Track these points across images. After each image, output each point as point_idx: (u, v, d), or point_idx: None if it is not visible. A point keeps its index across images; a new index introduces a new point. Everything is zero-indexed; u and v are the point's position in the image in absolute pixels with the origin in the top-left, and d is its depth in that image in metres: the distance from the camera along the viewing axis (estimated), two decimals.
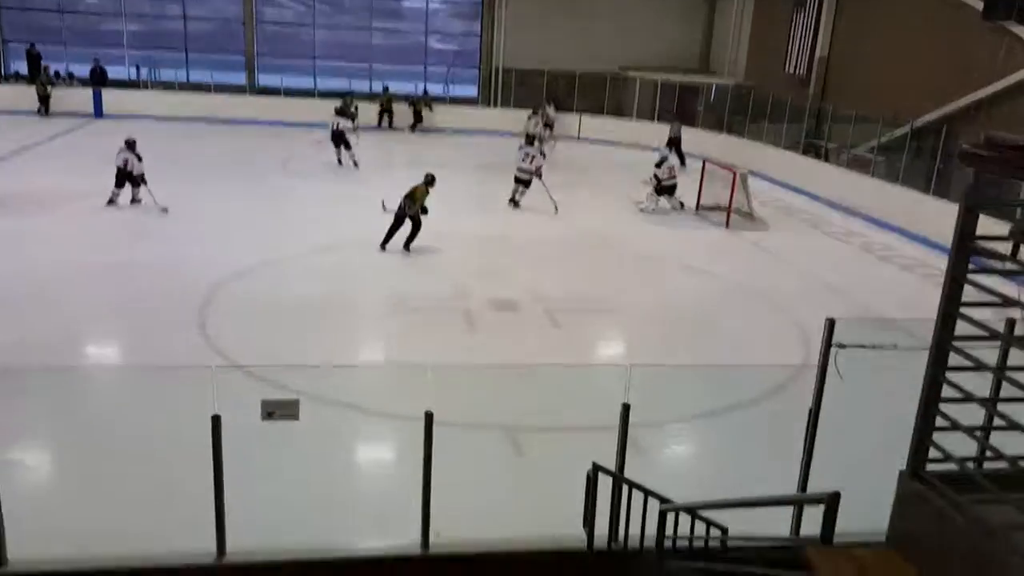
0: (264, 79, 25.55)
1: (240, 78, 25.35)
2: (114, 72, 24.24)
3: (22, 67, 24.62)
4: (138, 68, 24.70)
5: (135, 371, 7.65)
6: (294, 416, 4.43)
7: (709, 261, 12.56)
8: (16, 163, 16.85)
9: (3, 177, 15.33)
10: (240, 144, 20.40)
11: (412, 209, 11.75)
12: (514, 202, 15.22)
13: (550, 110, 23.04)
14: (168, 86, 24.50)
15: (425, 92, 25.23)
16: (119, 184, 13.63)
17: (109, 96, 23.16)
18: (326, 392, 6.65)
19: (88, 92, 23.00)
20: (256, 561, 4.51)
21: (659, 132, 22.24)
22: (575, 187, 17.57)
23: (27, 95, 22.66)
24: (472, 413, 7.08)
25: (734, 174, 15.01)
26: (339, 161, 18.49)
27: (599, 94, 25.02)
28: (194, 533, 4.59)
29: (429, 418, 4.53)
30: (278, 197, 15.25)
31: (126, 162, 13.61)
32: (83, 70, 23.98)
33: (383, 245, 11.82)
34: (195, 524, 4.56)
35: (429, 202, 11.94)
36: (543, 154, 15.78)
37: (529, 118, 22.19)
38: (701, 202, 15.81)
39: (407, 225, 11.78)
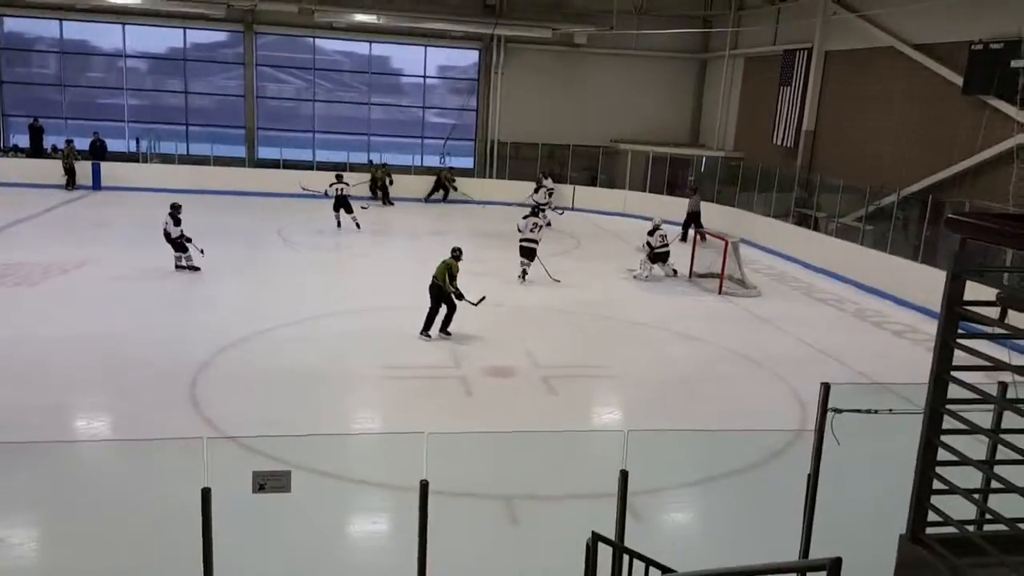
0: (264, 152, 26.02)
1: (240, 151, 25.80)
2: (114, 145, 24.67)
3: (21, 140, 25.03)
4: (138, 141, 25.14)
5: (124, 444, 7.56)
6: (286, 488, 4.39)
7: (703, 328, 12.62)
8: (12, 235, 16.99)
9: None
10: (237, 215, 20.63)
11: (448, 288, 11.18)
12: (523, 275, 15.02)
13: (547, 182, 23.36)
14: (168, 159, 24.90)
15: (446, 164, 26.06)
16: (174, 248, 14.19)
17: (108, 169, 23.54)
18: (319, 462, 6.58)
19: (87, 165, 23.36)
20: None
21: (651, 202, 22.66)
22: (569, 256, 17.79)
23: (29, 167, 23.09)
24: (469, 482, 7.02)
25: (726, 242, 15.21)
26: (339, 224, 18.89)
27: (592, 166, 25.58)
28: None
29: (424, 487, 4.49)
30: (273, 266, 15.36)
31: (165, 226, 14.18)
32: (83, 143, 24.39)
33: (425, 332, 11.07)
34: None
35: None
36: (548, 224, 16.14)
37: (536, 190, 22.56)
38: (694, 269, 15.98)
39: (443, 307, 11.22)
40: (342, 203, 19.13)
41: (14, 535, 6.05)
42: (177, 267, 14.16)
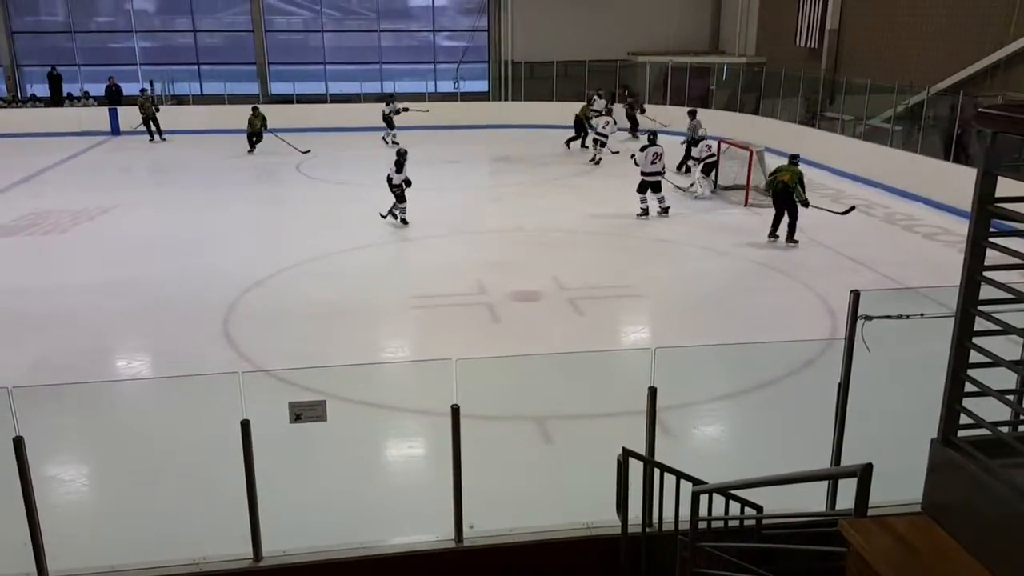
0: (276, 87, 25.73)
1: (253, 88, 25.55)
2: (129, 89, 24.54)
3: (38, 90, 24.98)
4: (152, 84, 24.97)
5: (162, 382, 7.74)
6: (322, 417, 4.47)
7: (730, 241, 12.48)
8: (38, 183, 17.13)
9: (25, 198, 15.60)
10: (254, 152, 20.53)
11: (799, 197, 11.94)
12: (645, 212, 13.61)
13: (599, 103, 21.43)
14: (182, 100, 24.76)
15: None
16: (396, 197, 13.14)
17: (125, 113, 23.46)
18: (352, 392, 6.71)
19: (104, 110, 23.30)
20: (292, 563, 4.56)
21: (671, 115, 22.11)
22: (587, 175, 17.55)
23: (49, 116, 23.13)
24: (500, 404, 7.12)
25: (750, 152, 14.89)
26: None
27: (609, 81, 24.94)
28: (229, 537, 4.65)
29: (456, 412, 4.55)
30: (294, 202, 15.37)
31: (388, 171, 13.26)
32: (97, 89, 24.30)
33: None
34: (230, 528, 4.63)
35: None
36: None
37: (632, 107, 21.65)
38: (719, 182, 15.70)
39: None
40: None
41: (64, 472, 6.27)
42: (383, 215, 13.08)
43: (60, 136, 22.19)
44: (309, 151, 19.70)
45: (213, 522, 5.25)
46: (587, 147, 19.81)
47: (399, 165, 12.97)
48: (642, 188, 13.59)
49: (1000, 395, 3.02)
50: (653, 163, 13.43)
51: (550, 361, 7.26)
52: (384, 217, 12.97)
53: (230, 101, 24.40)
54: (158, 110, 22.36)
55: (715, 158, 15.48)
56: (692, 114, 18.87)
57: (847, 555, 3.15)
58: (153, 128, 22.13)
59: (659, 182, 13.63)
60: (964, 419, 3.09)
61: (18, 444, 4.12)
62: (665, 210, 13.83)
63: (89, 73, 25.15)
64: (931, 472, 3.19)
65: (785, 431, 6.68)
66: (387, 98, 22.41)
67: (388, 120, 21.33)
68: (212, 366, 7.74)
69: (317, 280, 10.81)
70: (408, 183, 12.87)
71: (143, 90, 22.88)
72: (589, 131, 19.74)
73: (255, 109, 20.92)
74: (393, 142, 19.60)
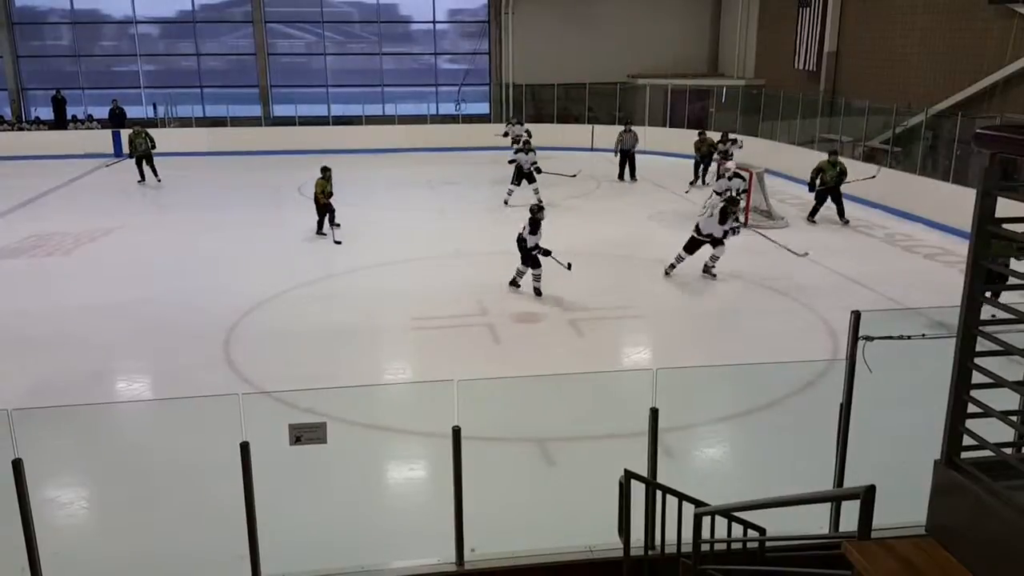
0: (279, 109, 25.92)
1: (255, 110, 25.73)
2: (132, 112, 24.73)
3: (42, 113, 25.16)
4: (155, 106, 25.16)
5: (162, 404, 7.73)
6: (322, 440, 4.46)
7: (730, 262, 12.47)
8: (41, 205, 17.19)
9: (27, 220, 15.65)
10: (256, 174, 20.65)
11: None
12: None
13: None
14: (185, 122, 24.92)
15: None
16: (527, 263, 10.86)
17: (128, 136, 23.59)
18: (353, 414, 6.69)
19: (107, 133, 23.45)
20: None
21: (672, 137, 22.22)
22: (587, 197, 17.61)
23: (52, 139, 23.32)
24: (501, 426, 7.09)
25: (750, 174, 14.95)
26: None
27: (610, 104, 25.10)
28: (229, 560, 4.62)
29: (457, 433, 4.54)
30: (295, 224, 15.40)
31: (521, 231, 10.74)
32: (101, 112, 24.47)
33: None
34: (229, 551, 4.59)
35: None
36: None
37: (723, 147, 17.66)
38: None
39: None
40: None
41: (63, 495, 6.24)
42: (513, 284, 10.99)
43: (64, 159, 22.31)
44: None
45: (212, 544, 5.21)
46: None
47: (534, 225, 10.64)
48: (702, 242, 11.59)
49: (1003, 416, 3.01)
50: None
51: (551, 382, 7.25)
52: (515, 285, 11.04)
53: (232, 123, 24.57)
54: (153, 146, 19.09)
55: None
56: (627, 125, 19.87)
57: None
58: (147, 168, 19.10)
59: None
60: (967, 440, 3.08)
61: (17, 466, 4.10)
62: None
63: (93, 96, 25.35)
64: (935, 494, 3.17)
65: (787, 452, 6.65)
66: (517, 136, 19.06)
67: (526, 176, 16.40)
68: (212, 388, 7.72)
69: (318, 302, 10.81)
70: (545, 252, 10.57)
71: (135, 125, 19.94)
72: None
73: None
74: (538, 200, 14.83)
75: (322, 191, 13.55)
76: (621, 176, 19.51)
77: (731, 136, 18.41)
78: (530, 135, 18.48)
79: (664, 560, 4.57)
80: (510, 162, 16.68)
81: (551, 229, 14.02)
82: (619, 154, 19.49)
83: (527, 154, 16.38)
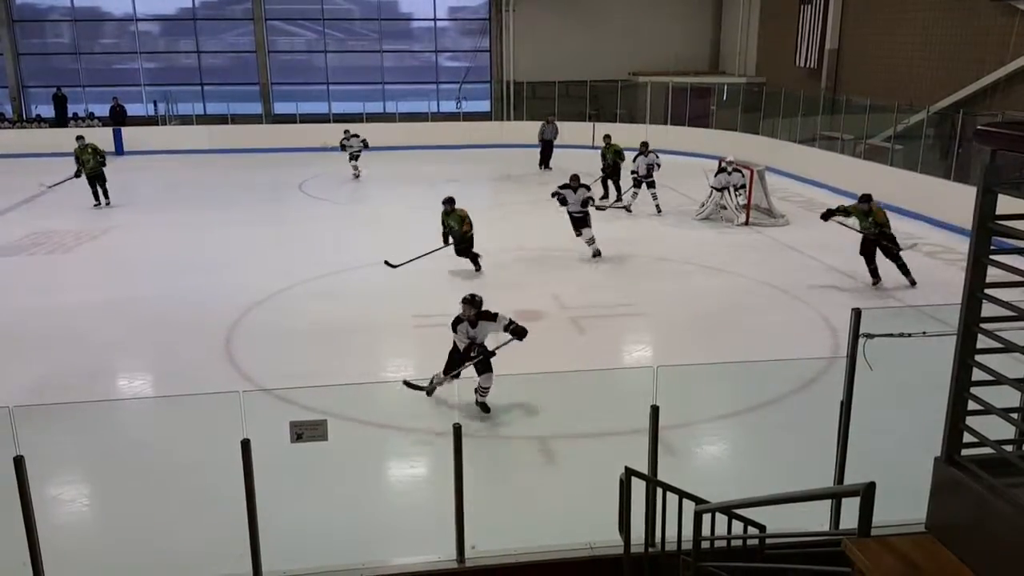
0: (280, 107, 25.90)
1: (256, 107, 25.71)
2: (132, 110, 24.72)
3: (43, 111, 25.14)
4: (155, 104, 25.15)
5: (163, 401, 7.74)
6: (323, 437, 4.47)
7: (731, 260, 12.49)
8: (41, 203, 17.18)
9: (28, 218, 15.65)
10: (258, 172, 20.65)
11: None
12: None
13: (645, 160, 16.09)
14: (186, 120, 24.92)
15: None
16: None
17: (129, 133, 23.60)
18: (353, 411, 6.69)
19: (108, 131, 23.44)
20: None
21: (673, 136, 22.20)
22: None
23: (53, 137, 23.19)
24: (502, 424, 7.10)
25: (751, 172, 14.94)
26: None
27: (611, 101, 25.09)
28: (229, 557, 4.62)
29: (458, 431, 4.54)
30: (296, 222, 15.41)
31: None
32: (102, 110, 24.46)
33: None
34: (230, 548, 4.60)
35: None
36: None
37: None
38: (720, 201, 15.71)
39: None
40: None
41: (65, 492, 6.25)
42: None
43: (64, 156, 22.26)
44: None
45: (213, 541, 5.22)
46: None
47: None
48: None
49: (1004, 413, 3.01)
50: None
51: (552, 380, 7.25)
52: None
53: (233, 121, 24.56)
54: (103, 163, 16.51)
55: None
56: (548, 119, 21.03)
57: (851, 575, 3.13)
58: (99, 190, 16.46)
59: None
60: (968, 438, 3.08)
61: (18, 463, 4.11)
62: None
63: (93, 94, 25.34)
64: (935, 491, 3.18)
65: (787, 450, 6.65)
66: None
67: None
68: (213, 385, 7.71)
69: (319, 299, 10.80)
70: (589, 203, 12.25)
71: (79, 137, 17.02)
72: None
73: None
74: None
75: (465, 220, 11.76)
76: (541, 165, 20.72)
77: (650, 150, 15.85)
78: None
79: (665, 557, 4.58)
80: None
81: (550, 226, 14.02)
82: (541, 144, 20.88)
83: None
